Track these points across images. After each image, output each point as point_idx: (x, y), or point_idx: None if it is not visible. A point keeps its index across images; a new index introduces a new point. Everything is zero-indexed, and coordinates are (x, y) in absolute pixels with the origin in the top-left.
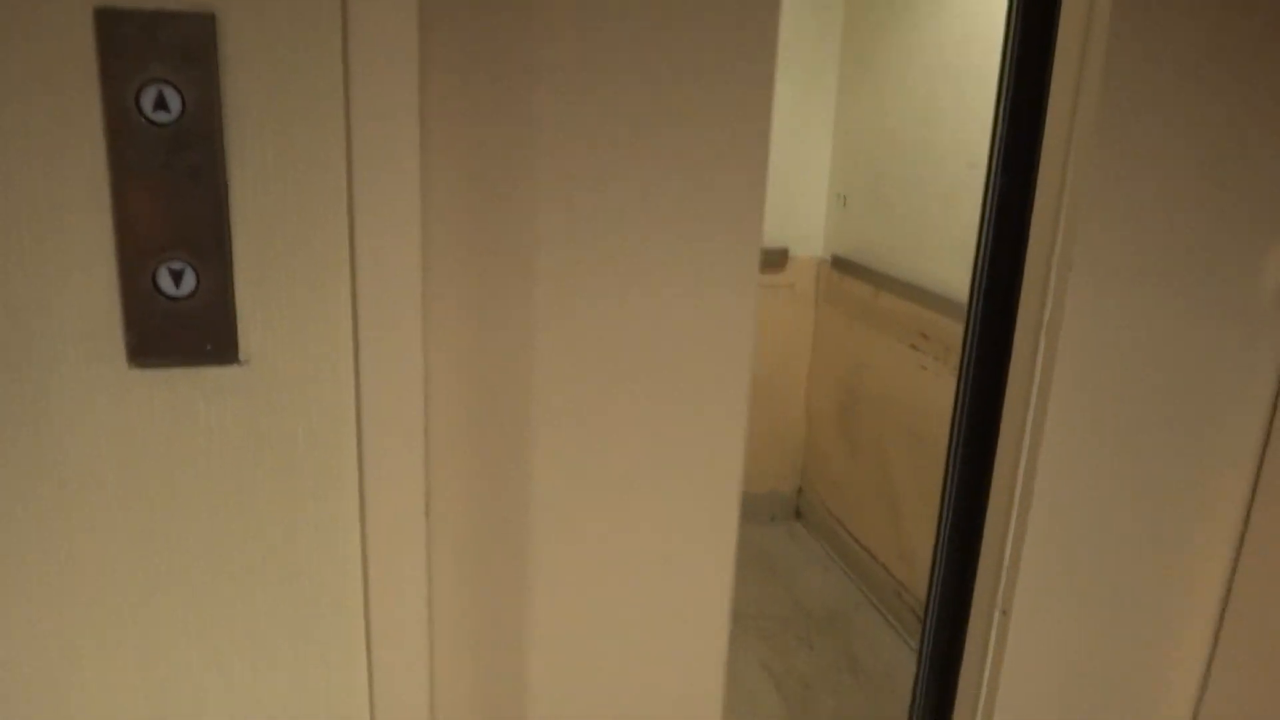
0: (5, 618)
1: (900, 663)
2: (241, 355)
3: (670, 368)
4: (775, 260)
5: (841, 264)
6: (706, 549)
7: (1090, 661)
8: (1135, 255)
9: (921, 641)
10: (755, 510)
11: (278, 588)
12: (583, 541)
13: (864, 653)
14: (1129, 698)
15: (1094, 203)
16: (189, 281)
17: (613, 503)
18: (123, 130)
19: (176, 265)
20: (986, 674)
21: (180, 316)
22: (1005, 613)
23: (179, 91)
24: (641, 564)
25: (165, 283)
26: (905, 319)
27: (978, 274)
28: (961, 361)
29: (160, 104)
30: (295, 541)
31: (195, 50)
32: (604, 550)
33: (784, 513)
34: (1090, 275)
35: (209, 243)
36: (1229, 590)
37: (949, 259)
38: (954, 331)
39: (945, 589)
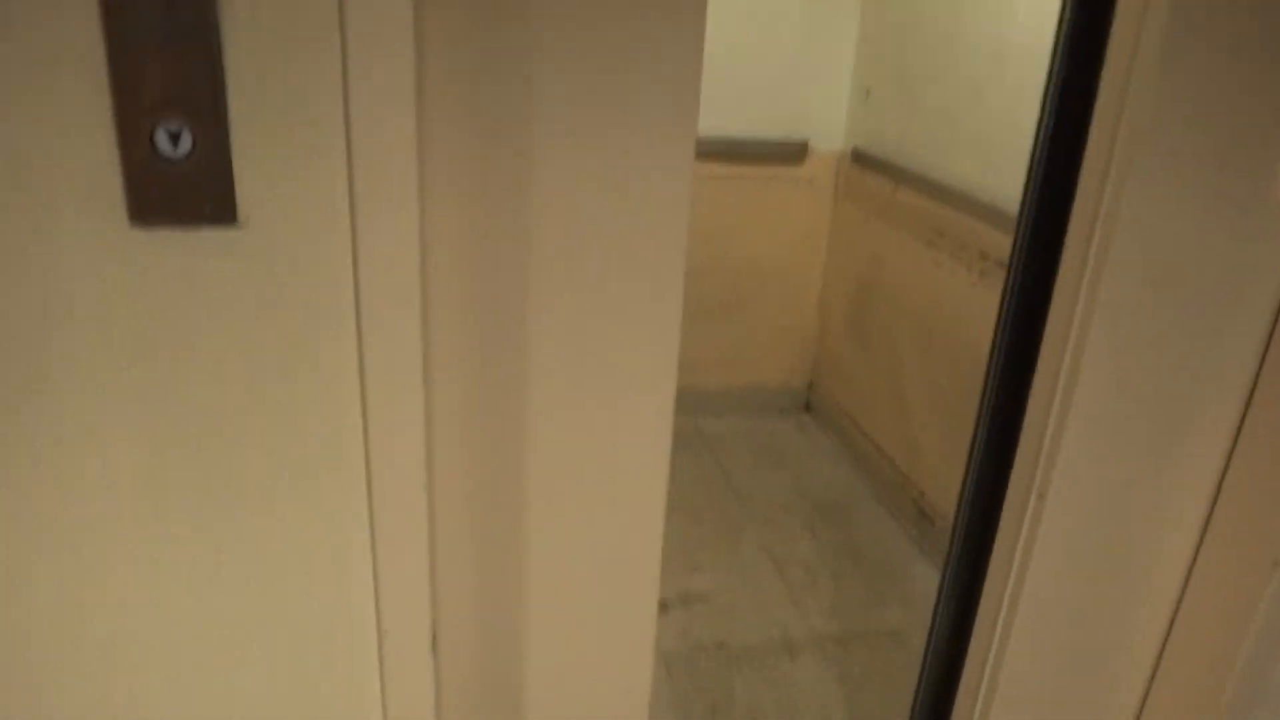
0: (10, 471)
1: (900, 552)
2: (240, 217)
3: (599, 259)
4: (794, 154)
5: (861, 158)
6: (641, 445)
7: (1123, 548)
8: (1201, 145)
9: (954, 527)
10: (766, 403)
11: (281, 443)
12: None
13: (865, 542)
14: (1161, 583)
15: (1163, 90)
16: (186, 142)
17: (550, 399)
18: None
19: (173, 126)
20: (1018, 557)
21: (178, 177)
22: (1041, 496)
23: None
24: (577, 462)
25: (163, 144)
26: (923, 215)
27: (1036, 150)
28: (1015, 238)
29: None
30: (296, 401)
31: None
32: (539, 447)
33: (794, 406)
34: (1151, 163)
35: (205, 103)
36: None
37: (971, 155)
38: (971, 229)
39: (980, 475)
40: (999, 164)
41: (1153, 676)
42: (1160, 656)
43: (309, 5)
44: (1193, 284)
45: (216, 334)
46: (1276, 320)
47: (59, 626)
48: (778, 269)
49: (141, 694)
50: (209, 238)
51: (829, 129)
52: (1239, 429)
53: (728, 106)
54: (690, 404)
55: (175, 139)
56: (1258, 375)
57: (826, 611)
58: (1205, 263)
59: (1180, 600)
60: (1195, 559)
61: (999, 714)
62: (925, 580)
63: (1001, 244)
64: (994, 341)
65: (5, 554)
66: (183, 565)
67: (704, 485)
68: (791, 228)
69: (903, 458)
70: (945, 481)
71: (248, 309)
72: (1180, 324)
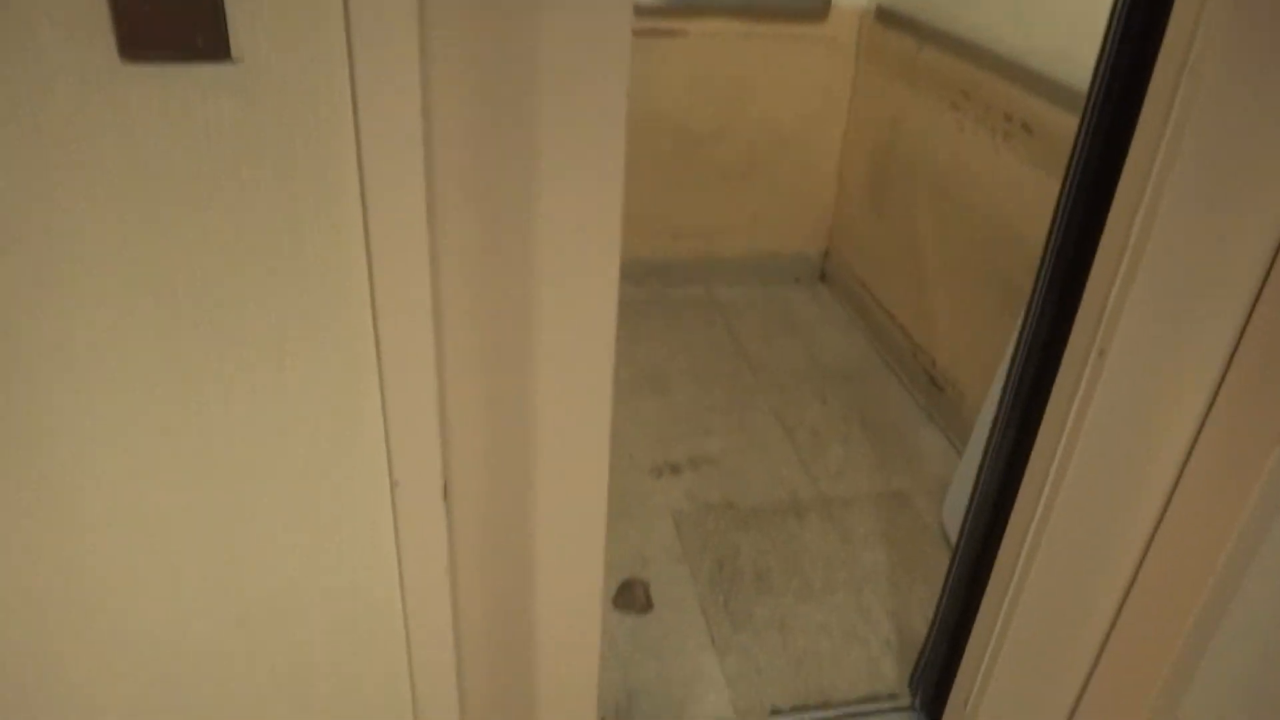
0: (13, 297)
1: (907, 417)
2: (234, 53)
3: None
4: (816, 10)
5: (886, 15)
6: (584, 322)
7: (1163, 404)
8: None
9: (1006, 383)
10: (780, 271)
11: (285, 291)
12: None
13: (874, 409)
14: (1216, 435)
15: None
16: None
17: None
18: None
19: None
20: (1074, 408)
21: (167, 6)
22: (1103, 353)
23: None
24: (520, 347)
25: None
26: (948, 76)
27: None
28: (1089, 98)
29: None
30: (299, 246)
31: None
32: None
33: (809, 275)
34: (1239, 14)
35: None
36: None
37: (1001, 9)
38: (997, 90)
39: (1037, 331)
40: (1030, 19)
41: (1152, 537)
42: (1161, 519)
43: None
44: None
45: (213, 177)
46: None
47: (65, 489)
48: (796, 132)
49: (149, 553)
50: (203, 73)
51: None
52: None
53: None
54: (704, 271)
55: None
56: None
57: (834, 475)
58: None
59: (1184, 467)
60: (1201, 428)
61: (1041, 570)
62: (933, 445)
63: (1028, 105)
64: (1064, 191)
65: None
66: (189, 418)
67: (717, 352)
68: (811, 89)
69: (916, 327)
70: (958, 350)
71: (245, 151)
72: (1260, 179)
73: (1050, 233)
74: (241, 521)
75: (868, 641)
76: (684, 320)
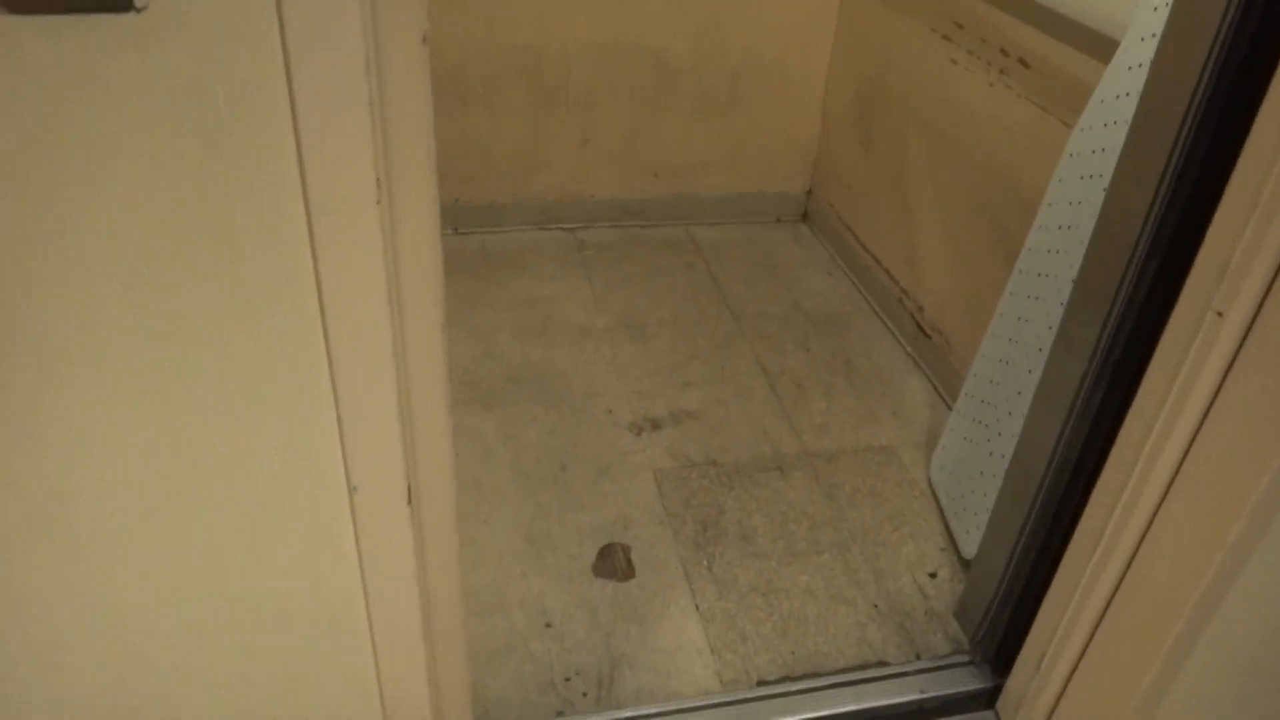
0: None
1: (893, 365)
2: (136, 0)
3: None
4: None
5: None
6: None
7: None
8: None
9: (1097, 346)
10: (762, 211)
11: (218, 274)
12: None
13: (858, 356)
14: None
15: None
16: None
17: None
18: None
19: None
20: (1181, 375)
21: None
22: (1220, 314)
23: None
24: None
25: None
26: (940, 5)
27: None
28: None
29: None
30: (232, 216)
31: None
32: None
33: (791, 214)
34: None
35: None
36: None
37: None
38: (993, 21)
39: (1136, 287)
40: None
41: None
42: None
43: None
44: None
45: (123, 149)
46: None
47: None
48: (778, 63)
49: (96, 564)
50: (103, 24)
51: None
52: None
53: None
54: (683, 211)
55: None
56: None
57: (818, 428)
58: None
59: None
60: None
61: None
62: (919, 395)
63: (1026, 39)
64: (1179, 140)
65: None
66: (126, 416)
67: (697, 297)
68: (794, 16)
69: (903, 271)
70: (945, 297)
71: (159, 116)
72: None
73: (1162, 178)
74: (191, 532)
75: (855, 604)
76: (662, 262)
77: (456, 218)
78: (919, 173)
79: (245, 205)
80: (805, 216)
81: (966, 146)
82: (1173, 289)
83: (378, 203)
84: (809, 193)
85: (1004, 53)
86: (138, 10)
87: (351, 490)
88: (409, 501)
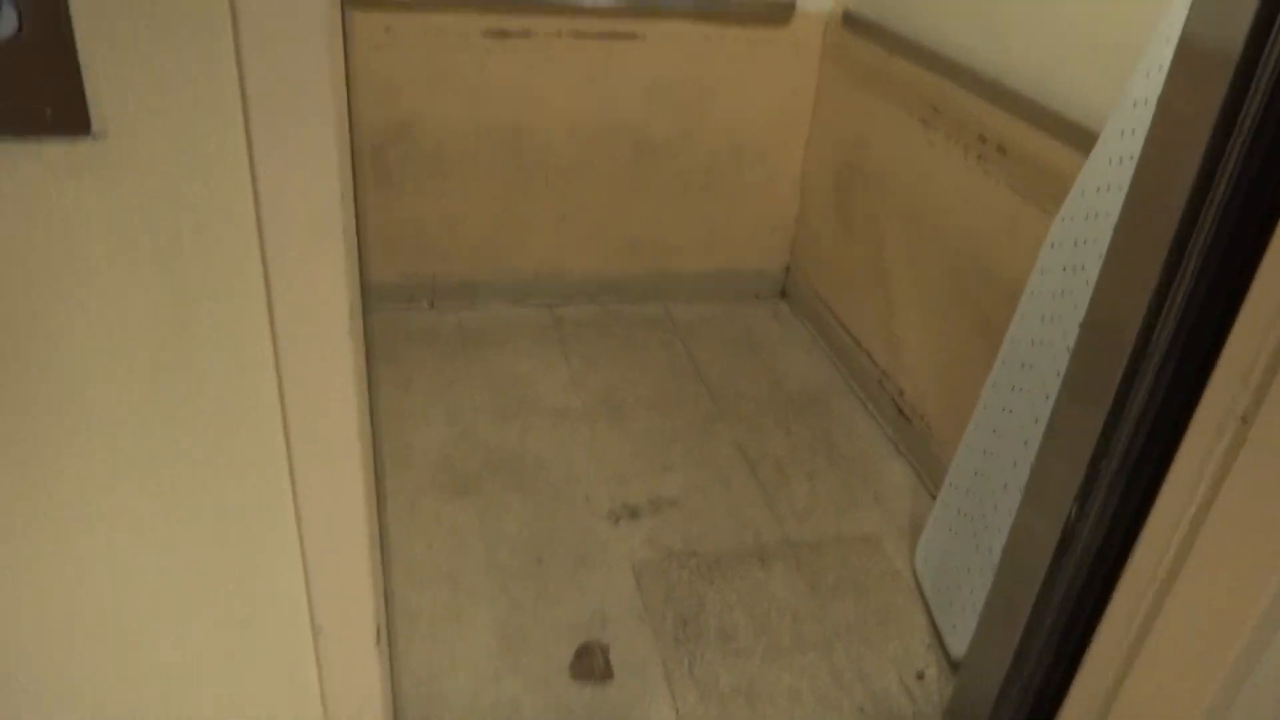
0: None
1: (875, 449)
2: (94, 125)
3: None
4: (779, 14)
5: (853, 22)
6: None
7: None
8: None
9: (1097, 448)
10: (740, 288)
11: (179, 413)
12: None
13: (840, 439)
14: None
15: None
16: (8, 19)
17: None
18: None
19: None
20: (1206, 478)
21: (6, 68)
22: (1246, 421)
23: None
24: None
25: None
26: (917, 89)
27: None
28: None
29: None
30: (193, 344)
31: None
32: None
33: (770, 291)
34: None
35: None
36: None
37: (975, 21)
38: (970, 107)
39: (1133, 390)
40: (1007, 35)
41: None
42: None
43: None
44: None
45: (82, 279)
46: None
47: None
48: (757, 143)
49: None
50: (59, 151)
51: None
52: None
53: None
54: (661, 288)
55: None
56: None
57: (800, 514)
58: None
59: None
60: None
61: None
62: (901, 480)
63: (1004, 125)
64: (1195, 236)
65: None
66: (48, 559)
67: (675, 376)
68: (773, 97)
69: (882, 353)
70: (926, 380)
71: (117, 246)
72: None
73: (1178, 276)
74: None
75: (841, 708)
76: (640, 340)
77: (433, 294)
78: (898, 254)
79: (205, 340)
80: (784, 293)
81: (945, 229)
82: (1180, 391)
83: (349, 335)
84: (787, 269)
85: (982, 139)
86: (95, 135)
87: (316, 631)
88: (377, 642)
